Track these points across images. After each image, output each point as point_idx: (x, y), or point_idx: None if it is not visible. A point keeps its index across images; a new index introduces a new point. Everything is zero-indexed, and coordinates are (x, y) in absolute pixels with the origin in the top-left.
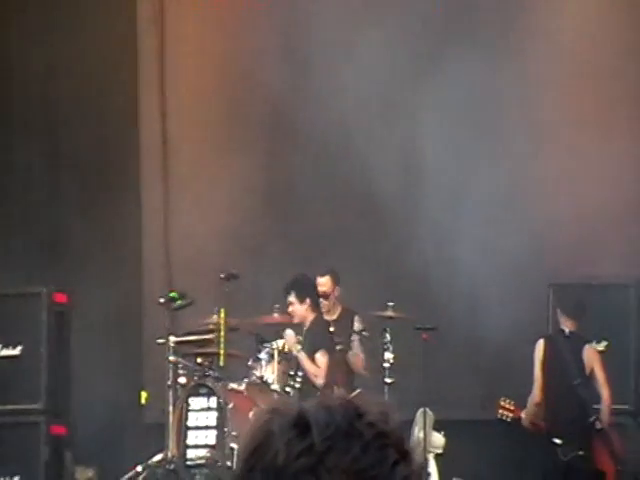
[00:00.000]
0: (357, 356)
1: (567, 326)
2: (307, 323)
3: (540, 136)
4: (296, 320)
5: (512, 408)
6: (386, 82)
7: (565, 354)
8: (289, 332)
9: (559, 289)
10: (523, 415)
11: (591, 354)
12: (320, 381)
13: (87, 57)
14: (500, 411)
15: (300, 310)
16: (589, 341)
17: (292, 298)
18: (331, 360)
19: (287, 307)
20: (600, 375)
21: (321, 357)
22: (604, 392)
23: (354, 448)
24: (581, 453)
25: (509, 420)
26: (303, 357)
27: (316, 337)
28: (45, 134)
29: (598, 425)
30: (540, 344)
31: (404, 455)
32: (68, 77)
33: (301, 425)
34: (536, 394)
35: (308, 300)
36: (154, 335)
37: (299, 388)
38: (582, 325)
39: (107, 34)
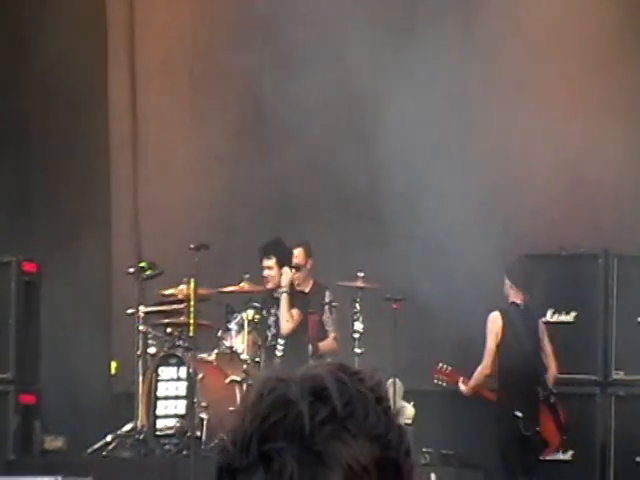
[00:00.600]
0: (330, 340)
1: (518, 299)
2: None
3: (509, 111)
4: (270, 286)
5: (448, 372)
6: (357, 59)
7: (520, 328)
8: (287, 270)
9: (526, 261)
10: (463, 385)
11: (542, 327)
12: (289, 326)
13: (56, 27)
14: (436, 375)
15: (278, 276)
16: (542, 314)
17: (271, 262)
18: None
19: (263, 270)
20: (548, 347)
21: (295, 313)
22: (552, 364)
23: (370, 413)
24: (538, 429)
25: (444, 385)
26: (285, 299)
27: (294, 299)
28: (13, 103)
29: (552, 399)
30: (497, 317)
31: (396, 420)
32: (37, 47)
33: (318, 391)
34: (487, 365)
35: (286, 267)
36: (124, 305)
37: (281, 356)
38: (532, 298)
39: (76, 4)
